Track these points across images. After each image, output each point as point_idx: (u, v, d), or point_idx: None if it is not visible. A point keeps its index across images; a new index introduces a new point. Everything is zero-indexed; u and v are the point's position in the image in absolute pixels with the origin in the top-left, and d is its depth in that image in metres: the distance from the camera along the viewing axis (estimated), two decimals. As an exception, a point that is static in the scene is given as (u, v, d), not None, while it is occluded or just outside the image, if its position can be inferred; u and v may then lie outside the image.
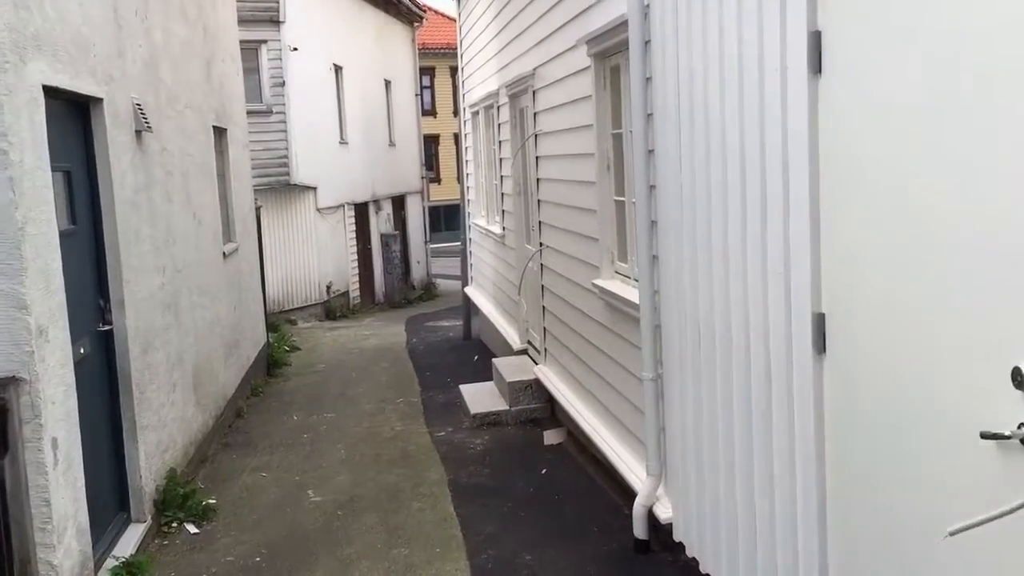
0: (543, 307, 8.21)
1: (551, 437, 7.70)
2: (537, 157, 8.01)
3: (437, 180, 44.74)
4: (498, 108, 10.10)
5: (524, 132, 8.85)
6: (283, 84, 16.30)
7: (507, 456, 7.37)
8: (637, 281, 5.42)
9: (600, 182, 5.88)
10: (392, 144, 23.13)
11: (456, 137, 44.88)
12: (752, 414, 3.67)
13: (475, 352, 12.61)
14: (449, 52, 42.62)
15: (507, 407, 8.38)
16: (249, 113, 15.99)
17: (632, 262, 5.55)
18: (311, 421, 8.95)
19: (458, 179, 45.27)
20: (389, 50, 23.12)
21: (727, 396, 3.91)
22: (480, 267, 12.59)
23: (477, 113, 11.91)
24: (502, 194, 10.22)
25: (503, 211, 10.24)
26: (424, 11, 24.87)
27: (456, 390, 9.81)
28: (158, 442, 5.99)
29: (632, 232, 5.54)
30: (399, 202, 23.54)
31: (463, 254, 14.26)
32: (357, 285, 19.82)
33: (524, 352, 9.42)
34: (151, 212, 6.21)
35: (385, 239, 21.60)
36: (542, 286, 8.19)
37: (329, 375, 11.58)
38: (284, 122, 16.35)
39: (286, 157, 16.38)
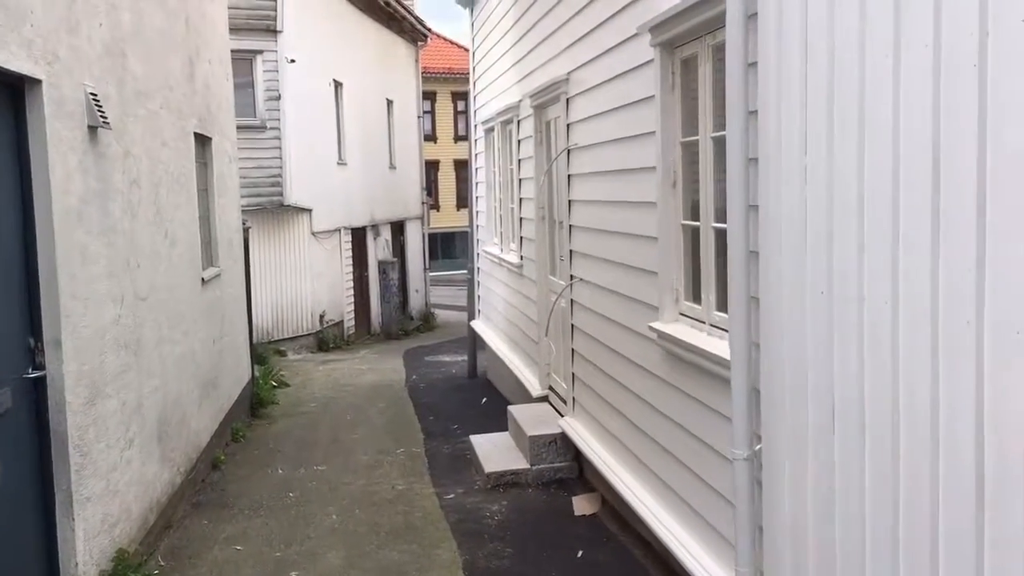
0: (572, 350, 7.05)
1: (582, 505, 6.51)
2: (570, 176, 6.89)
3: (436, 207, 43.80)
4: (518, 122, 8.99)
5: (553, 147, 7.74)
6: (279, 98, 15.21)
7: (532, 529, 6.16)
8: (717, 328, 4.27)
9: (663, 202, 4.75)
10: (393, 167, 22.05)
11: (456, 164, 44.11)
12: (940, 534, 2.50)
13: (482, 393, 11.42)
14: (451, 77, 41.87)
15: (527, 465, 7.18)
16: (242, 128, 14.90)
17: (707, 303, 4.40)
18: (299, 475, 7.73)
19: (457, 206, 44.43)
20: (391, 69, 22.10)
21: (882, 503, 2.74)
22: (490, 299, 11.43)
23: (491, 130, 10.81)
24: (520, 219, 9.09)
25: (521, 238, 9.10)
26: (428, 31, 23.90)
27: (465, 440, 8.62)
28: (104, 516, 4.79)
29: (707, 265, 4.39)
30: (398, 228, 22.42)
31: (470, 285, 13.10)
32: (352, 315, 18.64)
33: (544, 399, 8.24)
34: (106, 227, 5.05)
35: (383, 266, 20.45)
36: (572, 326, 7.03)
37: (321, 417, 10.37)
38: (279, 138, 15.24)
39: (280, 176, 15.26)
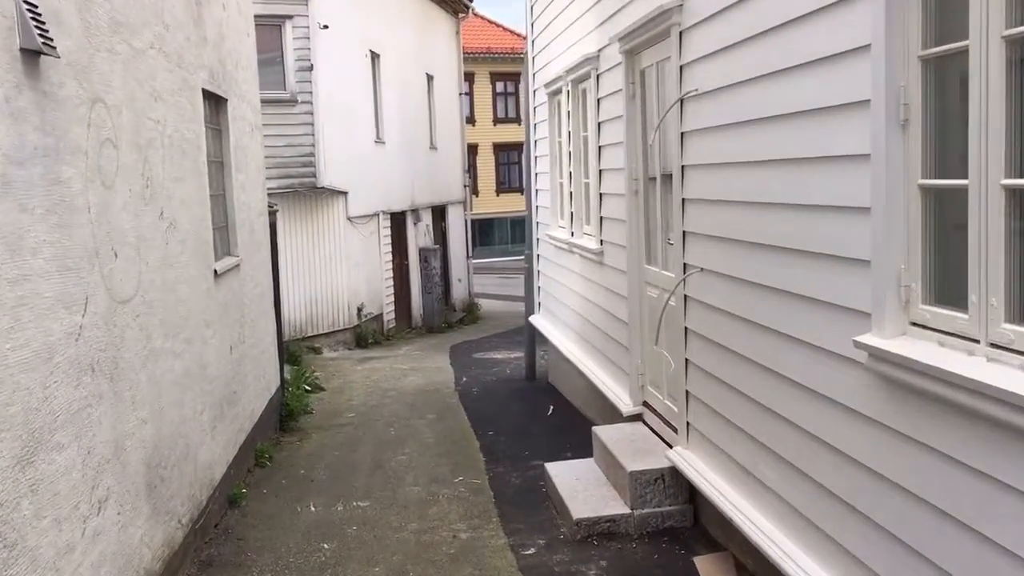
0: (686, 362, 5.43)
1: (709, 569, 4.90)
2: (684, 134, 5.25)
3: (475, 192, 42.25)
4: (597, 77, 7.35)
5: (654, 101, 6.10)
6: (311, 68, 13.68)
7: (648, 609, 4.58)
8: (1006, 349, 2.63)
9: (885, 153, 3.10)
10: (433, 147, 20.48)
11: (496, 147, 42.45)
12: None
13: (546, 400, 9.84)
14: (490, 57, 40.23)
15: (628, 509, 5.58)
16: (270, 102, 13.38)
17: (981, 309, 2.75)
18: (335, 515, 6.20)
19: (497, 192, 42.80)
20: (431, 41, 20.51)
21: None
22: (554, 292, 9.82)
23: (557, 93, 9.17)
24: (600, 195, 7.46)
25: (601, 219, 7.47)
26: (470, 1, 22.25)
27: (536, 466, 7.05)
28: (51, 624, 3.27)
29: (979, 249, 2.74)
30: (439, 212, 20.88)
31: (528, 275, 11.50)
32: (392, 307, 17.14)
33: (637, 418, 6.63)
34: (56, 201, 3.51)
35: (424, 254, 18.91)
36: (686, 330, 5.40)
37: (360, 431, 8.85)
38: (311, 113, 13.72)
39: (312, 155, 13.75)
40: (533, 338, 11.44)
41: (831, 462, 3.62)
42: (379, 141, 16.78)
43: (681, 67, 5.25)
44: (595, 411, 8.20)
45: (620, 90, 6.63)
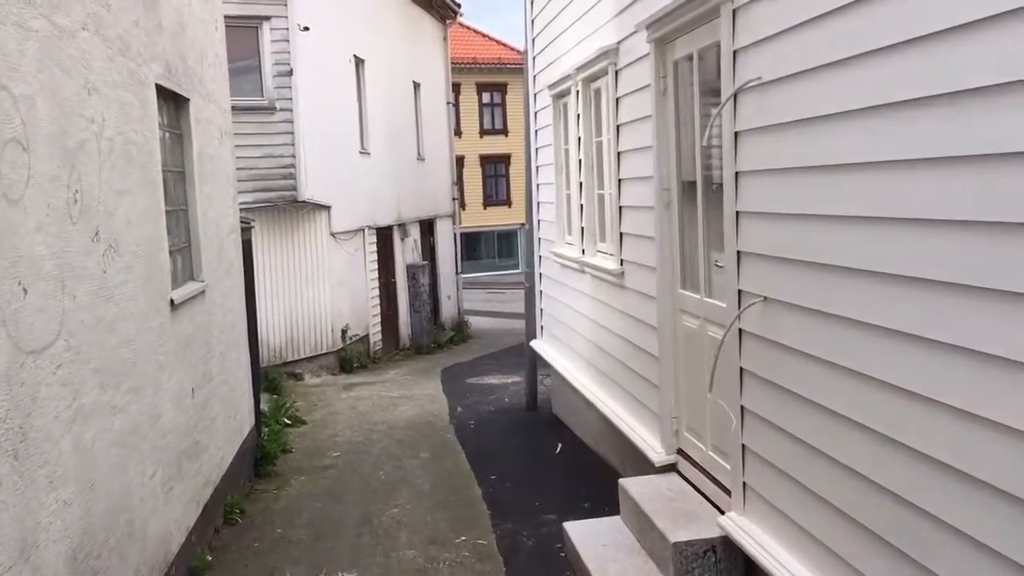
0: (742, 408, 4.47)
1: (783, 674, 3.93)
2: (738, 134, 4.32)
3: (462, 205, 41.36)
4: (616, 73, 6.42)
5: (689, 97, 5.15)
6: (290, 73, 12.71)
7: None
8: None
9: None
10: (421, 158, 19.53)
11: (482, 159, 41.49)
12: None
13: (552, 434, 8.87)
14: (476, 67, 39.38)
15: (671, 588, 4.61)
16: (247, 110, 12.44)
17: None
18: (316, 593, 5.21)
19: (484, 205, 41.81)
20: (418, 47, 19.58)
21: None
22: (561, 315, 8.86)
23: (564, 94, 8.24)
24: (620, 208, 6.52)
25: (621, 235, 6.52)
26: (458, 6, 21.35)
27: (551, 521, 6.08)
28: None
29: None
30: (427, 227, 19.90)
31: (528, 295, 10.53)
32: (379, 328, 16.13)
33: (671, 468, 5.66)
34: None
35: (412, 271, 17.93)
36: (741, 371, 4.45)
37: (346, 474, 7.85)
38: (291, 122, 12.74)
39: (292, 167, 12.76)
40: (534, 365, 10.47)
41: (987, 571, 2.67)
42: (364, 152, 15.81)
43: (735, 52, 4.31)
44: (612, 451, 7.24)
45: (647, 86, 5.69)
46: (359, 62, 15.64)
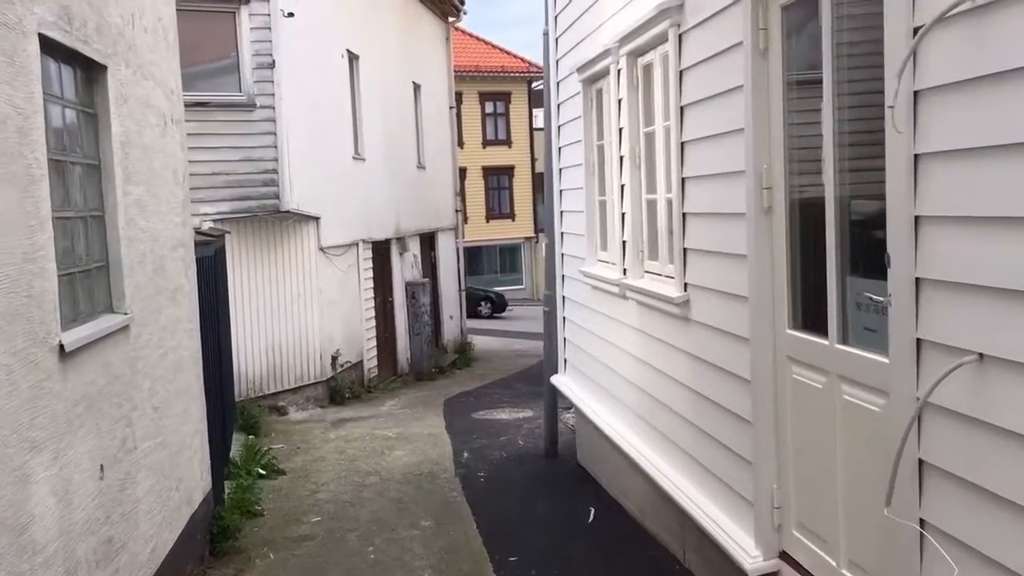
0: (922, 522, 2.85)
1: None
2: (921, 93, 2.72)
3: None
4: (680, 38, 4.83)
5: (831, 50, 3.54)
6: (272, 66, 11.13)
7: None
8: None
9: None
10: (421, 166, 17.94)
11: (485, 171, 39.89)
12: None
13: (581, 493, 7.27)
14: (478, 75, 37.85)
15: None
16: (222, 106, 10.87)
17: None
18: None
19: (487, 218, 40.16)
20: (418, 47, 18.03)
21: None
22: (591, 348, 7.25)
23: (599, 76, 6.66)
24: (684, 216, 4.91)
25: (685, 251, 4.93)
26: (462, 2, 19.79)
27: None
28: None
29: None
30: (428, 240, 18.31)
31: (548, 321, 8.92)
32: (374, 353, 14.49)
33: (771, 578, 4.04)
34: None
35: (411, 289, 16.31)
36: (921, 465, 2.83)
37: (326, 552, 6.22)
38: (273, 120, 11.14)
39: (275, 172, 11.16)
40: (554, 405, 8.85)
41: None
42: (358, 157, 14.22)
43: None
44: (666, 529, 5.62)
45: (734, 45, 4.10)
46: (353, 58, 14.08)
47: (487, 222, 40.30)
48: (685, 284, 4.95)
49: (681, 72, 4.87)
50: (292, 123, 11.37)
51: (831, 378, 3.47)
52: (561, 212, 8.23)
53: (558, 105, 8.15)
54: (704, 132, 4.59)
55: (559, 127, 8.16)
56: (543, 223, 8.59)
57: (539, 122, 42.16)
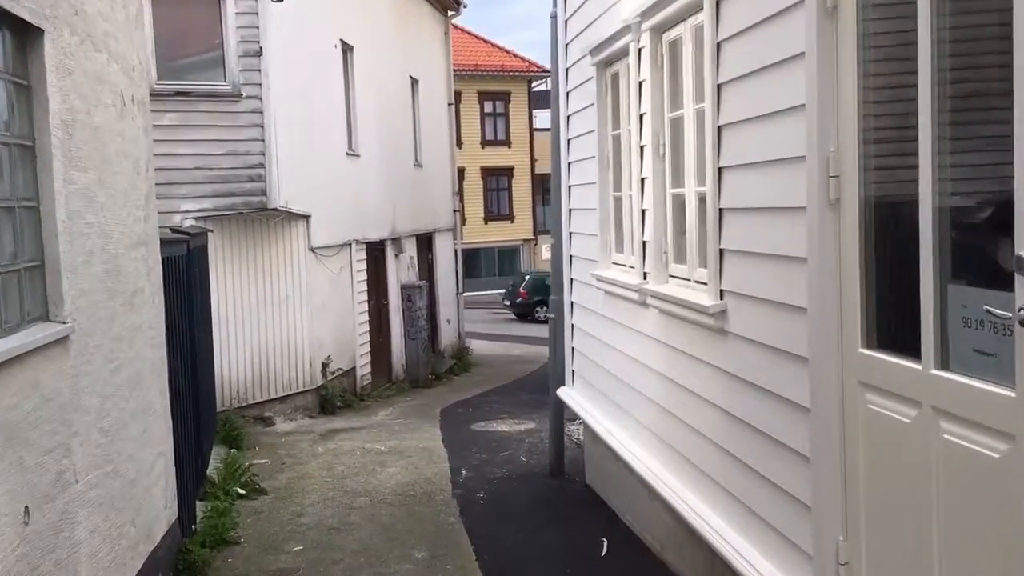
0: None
1: None
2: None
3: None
4: (717, 5, 4.14)
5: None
6: (260, 53, 10.44)
7: None
8: None
9: None
10: (419, 164, 17.26)
11: (484, 171, 39.15)
12: None
13: (588, 518, 6.60)
14: (477, 75, 37.10)
15: None
16: (205, 96, 10.19)
17: None
18: None
19: (485, 220, 39.41)
20: (415, 40, 17.35)
21: None
22: (603, 360, 6.56)
23: (617, 57, 5.98)
24: (718, 212, 4.22)
25: (721, 253, 4.24)
26: (462, -3, 19.11)
27: None
28: None
29: None
30: (425, 242, 17.61)
31: (554, 329, 8.22)
32: (367, 359, 13.79)
33: (834, 648, 3.34)
34: None
35: (407, 292, 15.62)
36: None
37: (306, 593, 5.53)
38: (260, 112, 10.45)
39: (262, 167, 10.47)
40: (560, 420, 8.17)
41: None
42: (352, 153, 13.53)
43: None
44: (692, 568, 4.92)
45: (794, 5, 3.41)
46: (347, 48, 13.39)
47: (486, 224, 39.61)
48: (721, 291, 4.26)
49: (719, 44, 4.19)
50: (281, 115, 10.68)
51: (924, 412, 2.78)
52: (570, 210, 7.54)
53: (567, 93, 7.47)
54: (749, 113, 3.90)
55: (568, 117, 7.47)
56: (549, 223, 7.92)
57: (539, 122, 41.60)
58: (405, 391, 14.73)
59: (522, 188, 40.78)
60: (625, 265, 6.00)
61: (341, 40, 13.09)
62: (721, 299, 4.25)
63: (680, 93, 4.87)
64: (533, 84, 40.63)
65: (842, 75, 3.17)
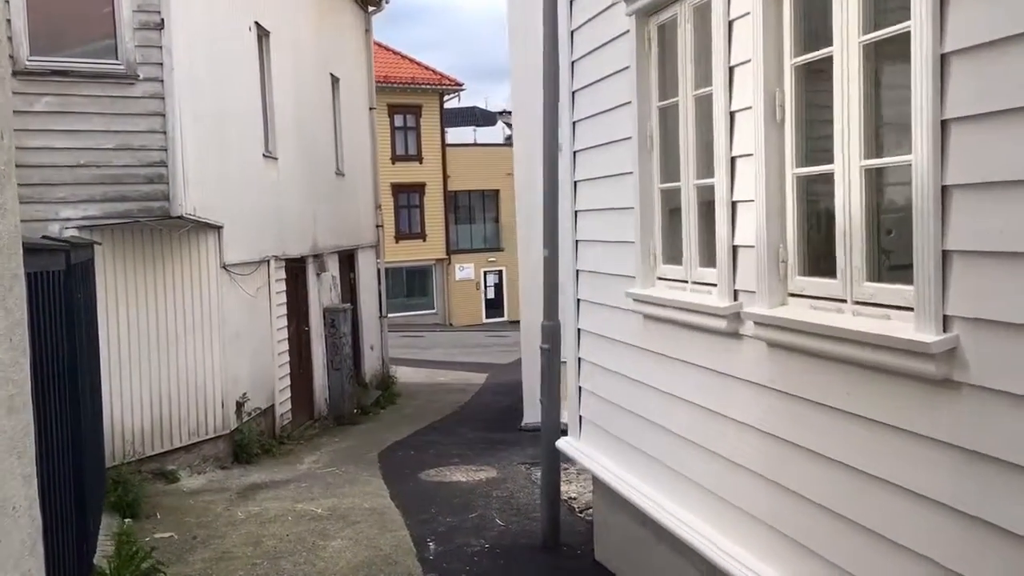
0: None
1: None
2: None
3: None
4: None
5: None
6: (160, 26, 8.49)
7: None
8: None
9: None
10: (340, 173, 15.37)
11: (394, 188, 37.17)
12: None
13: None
14: (387, 87, 34.94)
15: None
16: (91, 76, 8.18)
17: None
18: None
19: (396, 238, 37.52)
20: (336, 33, 15.52)
21: None
22: (647, 409, 4.91)
23: (665, 6, 4.40)
24: (941, 190, 2.65)
25: (945, 256, 2.66)
26: (384, -9, 17.36)
27: None
28: None
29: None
30: (347, 259, 15.70)
31: (548, 363, 6.53)
32: (288, 395, 11.81)
33: None
34: None
35: (331, 316, 13.69)
36: None
37: None
38: (161, 98, 8.47)
39: (163, 165, 8.48)
40: (557, 481, 6.53)
41: None
42: (269, 155, 11.61)
43: None
44: None
45: None
46: (263, 34, 11.50)
47: (396, 242, 37.65)
48: (945, 317, 2.68)
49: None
50: (187, 103, 8.74)
51: None
52: (575, 212, 5.90)
53: (572, 63, 5.85)
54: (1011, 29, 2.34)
55: (573, 94, 5.85)
56: (546, 234, 6.25)
57: (451, 138, 39.98)
58: (331, 429, 12.79)
59: (435, 206, 39.13)
60: (684, 281, 4.39)
61: (256, 23, 11.19)
62: (944, 331, 2.67)
63: (821, 25, 3.30)
64: (445, 99, 39.10)
65: None
